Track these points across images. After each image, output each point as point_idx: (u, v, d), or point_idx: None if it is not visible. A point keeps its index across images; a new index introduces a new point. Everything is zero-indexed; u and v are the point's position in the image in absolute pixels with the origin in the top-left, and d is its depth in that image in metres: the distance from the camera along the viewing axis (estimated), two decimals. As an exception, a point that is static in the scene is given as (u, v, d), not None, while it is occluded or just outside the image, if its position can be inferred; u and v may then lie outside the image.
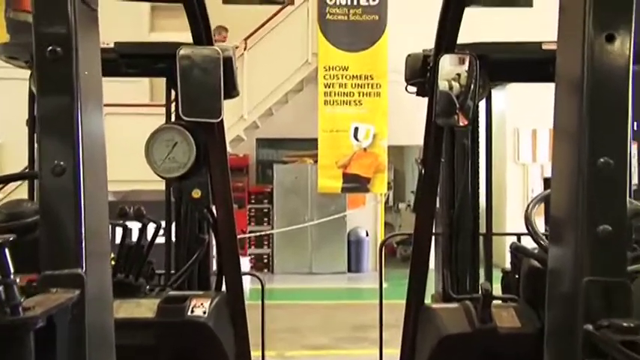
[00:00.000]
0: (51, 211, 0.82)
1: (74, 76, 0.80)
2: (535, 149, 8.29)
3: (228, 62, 1.67)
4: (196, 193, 1.72)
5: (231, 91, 1.73)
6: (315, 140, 7.52)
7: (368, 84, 7.43)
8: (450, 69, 1.65)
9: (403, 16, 8.28)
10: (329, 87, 7.46)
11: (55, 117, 0.81)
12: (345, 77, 7.44)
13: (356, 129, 7.41)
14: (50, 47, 0.79)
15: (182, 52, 1.60)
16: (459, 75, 1.66)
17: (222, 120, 1.67)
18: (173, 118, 1.86)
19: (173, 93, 1.89)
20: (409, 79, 1.82)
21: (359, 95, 7.44)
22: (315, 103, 7.58)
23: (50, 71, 0.80)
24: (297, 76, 7.76)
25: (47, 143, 0.80)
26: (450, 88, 1.65)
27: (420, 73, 1.79)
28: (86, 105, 0.83)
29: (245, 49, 7.53)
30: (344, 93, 7.44)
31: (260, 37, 7.64)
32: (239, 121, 7.50)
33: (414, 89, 1.84)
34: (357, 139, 7.42)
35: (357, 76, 7.40)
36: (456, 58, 1.65)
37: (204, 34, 1.66)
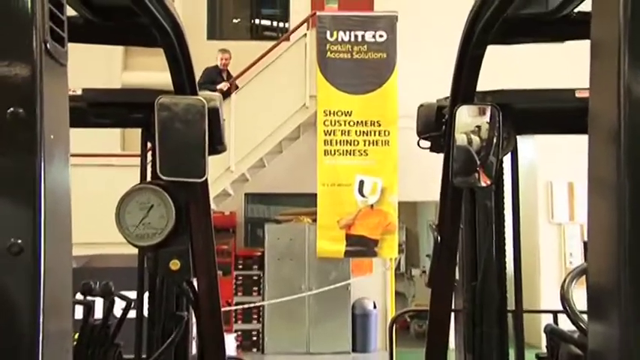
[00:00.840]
0: (5, 293, 0.83)
1: (38, 141, 0.80)
2: (572, 206, 8.06)
3: (215, 114, 1.69)
4: (175, 265, 1.70)
5: (218, 145, 1.75)
6: (314, 196, 7.55)
7: (375, 131, 7.56)
8: (469, 121, 1.67)
9: (415, 54, 8.59)
10: (330, 134, 7.58)
11: (14, 187, 0.81)
12: (349, 123, 7.57)
13: (361, 183, 7.46)
14: (11, 109, 0.80)
15: (161, 101, 1.61)
16: (479, 127, 1.68)
17: (206, 179, 1.68)
18: (149, 175, 1.87)
19: (149, 145, 1.90)
20: (422, 133, 1.85)
21: (364, 144, 7.55)
22: (313, 153, 7.69)
23: (10, 135, 0.80)
24: (292, 121, 7.91)
25: (3, 218, 0.81)
26: (470, 142, 1.66)
27: (435, 126, 1.81)
28: (51, 173, 0.83)
29: (233, 90, 7.73)
30: (347, 141, 7.55)
31: (251, 78, 7.86)
32: (225, 173, 7.57)
33: (427, 144, 1.86)
34: (362, 195, 7.45)
35: (362, 122, 7.54)
36: (476, 108, 1.67)
37: (187, 82, 1.68)
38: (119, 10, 1.54)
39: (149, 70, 7.79)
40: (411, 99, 8.98)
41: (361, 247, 7.45)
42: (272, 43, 8.27)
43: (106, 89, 1.97)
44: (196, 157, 1.61)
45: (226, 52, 8.12)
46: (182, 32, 1.58)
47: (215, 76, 7.99)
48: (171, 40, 1.56)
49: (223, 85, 7.79)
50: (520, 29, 1.67)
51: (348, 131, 7.55)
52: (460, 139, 1.65)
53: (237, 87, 7.89)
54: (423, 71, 8.58)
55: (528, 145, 7.07)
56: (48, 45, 0.85)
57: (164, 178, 1.64)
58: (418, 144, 1.85)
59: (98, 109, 1.85)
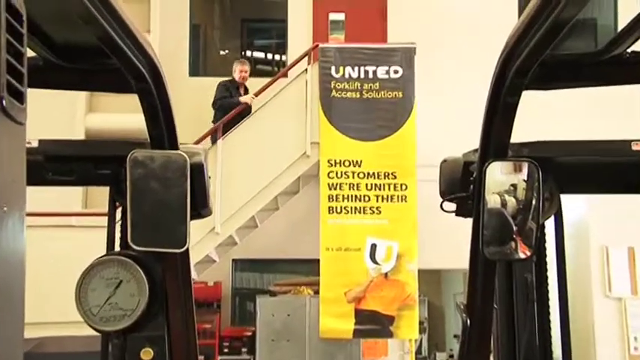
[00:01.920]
0: None
1: None
2: (634, 276, 7.76)
3: (198, 171, 1.70)
4: (147, 354, 1.68)
5: (201, 209, 1.75)
6: (316, 262, 7.53)
7: (389, 184, 7.62)
8: (503, 179, 1.67)
9: (435, 92, 8.87)
10: (335, 188, 7.64)
11: None
12: (358, 175, 7.64)
13: (373, 247, 7.44)
14: None
15: (135, 156, 1.62)
16: (514, 187, 1.68)
17: (187, 248, 1.68)
18: (117, 245, 1.84)
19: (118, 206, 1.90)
20: (446, 194, 1.85)
21: (377, 200, 7.59)
22: (315, 211, 7.74)
23: None
24: (291, 173, 7.97)
25: None
26: (504, 205, 1.66)
27: (461, 186, 1.81)
28: (2, 248, 0.83)
29: (220, 136, 7.84)
30: (356, 197, 7.60)
31: (240, 122, 7.98)
32: (209, 235, 7.55)
33: (452, 207, 1.86)
34: (374, 262, 7.42)
35: (374, 173, 7.61)
36: (510, 164, 1.69)
37: (166, 134, 1.68)
38: (86, 50, 1.54)
39: (118, 112, 7.99)
40: (431, 146, 9.10)
41: (374, 325, 7.37)
42: (266, 80, 8.45)
43: (67, 140, 1.96)
44: (176, 224, 1.61)
45: (245, 64, 8.49)
46: (161, 76, 1.60)
47: (232, 90, 8.31)
48: (147, 85, 1.57)
49: (248, 99, 8.10)
50: (562, 72, 1.68)
51: (358, 185, 7.62)
52: (492, 200, 1.65)
53: (249, 112, 8.09)
54: (446, 113, 8.92)
55: (577, 203, 6.95)
56: (4, 102, 0.86)
57: (136, 248, 1.64)
58: (441, 207, 1.85)
59: (58, 164, 1.84)
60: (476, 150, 1.76)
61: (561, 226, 1.90)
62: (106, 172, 1.82)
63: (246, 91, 8.39)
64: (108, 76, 1.63)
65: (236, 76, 8.36)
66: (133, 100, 1.65)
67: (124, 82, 1.55)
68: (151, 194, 1.63)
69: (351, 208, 7.59)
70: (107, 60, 1.49)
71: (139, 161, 1.63)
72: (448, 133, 8.83)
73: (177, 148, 1.69)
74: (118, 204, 1.86)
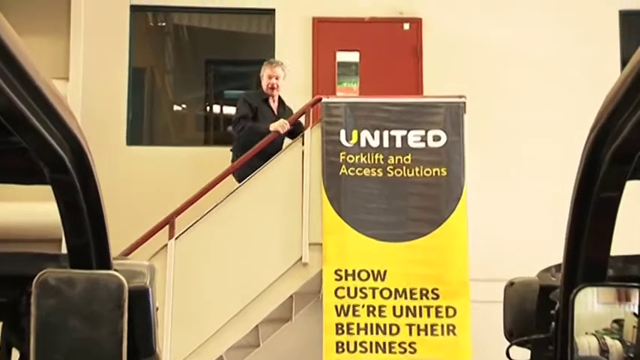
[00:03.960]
0: None
1: None
2: None
3: (140, 300, 1.72)
4: None
5: (145, 356, 1.78)
6: None
7: (429, 308, 7.58)
8: (601, 312, 1.69)
9: (490, 168, 9.07)
10: (346, 314, 7.59)
11: None
12: (381, 294, 7.63)
13: (405, 406, 7.38)
14: None
15: (44, 279, 1.62)
16: (620, 324, 1.70)
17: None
18: None
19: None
20: (514, 335, 1.87)
21: (409, 332, 7.54)
22: (315, 349, 7.68)
23: None
24: (279, 289, 7.91)
25: None
26: (604, 351, 1.67)
27: (537, 323, 1.82)
28: None
29: (172, 235, 7.83)
30: (378, 327, 7.55)
31: (204, 213, 8.01)
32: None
33: (523, 353, 1.87)
34: None
35: (404, 291, 7.61)
36: (612, 291, 1.70)
37: (93, 245, 1.71)
38: None
39: (19, 200, 7.97)
40: (487, 249, 8.99)
41: None
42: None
43: None
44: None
45: (277, 66, 8.45)
46: (87, 161, 1.63)
47: (258, 105, 8.32)
48: (67, 176, 1.59)
49: (279, 126, 8.01)
50: None
51: (381, 308, 7.59)
52: (585, 345, 1.65)
53: (298, 129, 8.14)
54: (505, 199, 9.17)
55: None
56: None
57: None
58: (507, 355, 1.84)
59: None
60: (558, 267, 1.77)
61: None
62: None
63: (282, 106, 8.47)
64: (8, 159, 1.65)
65: (263, 84, 8.42)
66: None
67: (33, 169, 1.56)
68: (67, 336, 1.61)
69: (371, 344, 7.51)
70: (10, 137, 1.50)
71: (51, 286, 1.61)
72: (511, 230, 9.05)
73: (109, 267, 1.69)
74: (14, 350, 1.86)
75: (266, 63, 8.49)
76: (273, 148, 8.06)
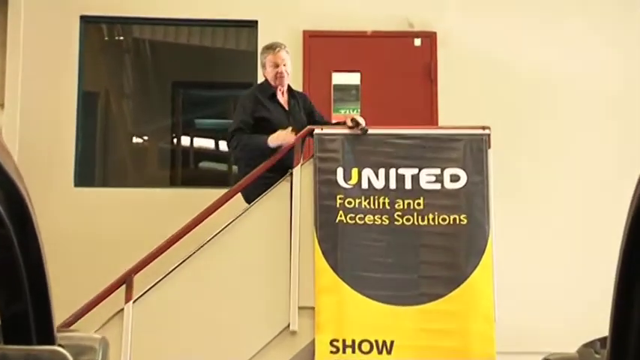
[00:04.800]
0: None
1: None
2: None
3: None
4: None
5: None
6: None
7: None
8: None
9: (516, 211, 8.98)
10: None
11: None
12: (387, 370, 7.57)
13: None
14: None
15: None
16: None
17: None
18: None
19: None
20: None
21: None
22: None
23: None
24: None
25: None
26: None
27: None
28: None
29: (130, 297, 7.74)
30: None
31: (170, 270, 7.93)
32: None
33: None
34: None
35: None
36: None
37: (32, 314, 1.73)
38: None
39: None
40: (514, 314, 8.91)
41: None
42: (217, 192, 8.49)
43: None
44: None
45: (280, 49, 8.34)
46: (27, 211, 1.65)
47: (263, 102, 8.28)
48: (1, 227, 1.61)
49: (281, 139, 7.95)
50: None
51: (386, 389, 7.57)
52: None
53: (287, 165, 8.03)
54: (535, 251, 9.34)
55: None
56: None
57: None
58: None
59: None
60: (603, 342, 1.84)
61: None
62: None
63: (292, 97, 8.45)
64: None
65: (269, 75, 8.39)
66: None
67: None
68: None
69: None
70: None
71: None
72: (546, 291, 9.18)
73: (53, 341, 1.74)
74: None
75: (264, 50, 8.49)
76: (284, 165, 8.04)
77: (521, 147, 9.55)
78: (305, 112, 8.47)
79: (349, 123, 7.97)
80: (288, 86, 8.48)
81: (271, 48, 8.39)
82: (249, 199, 8.02)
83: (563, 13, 10.12)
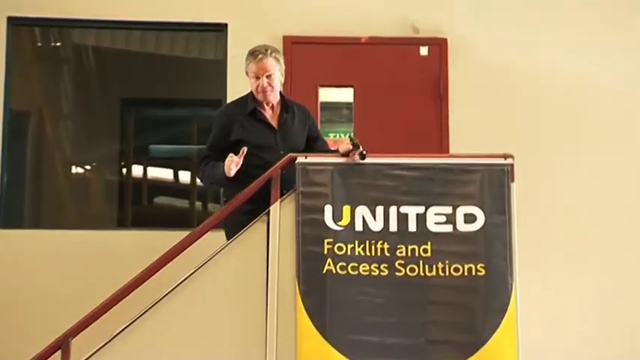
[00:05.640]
0: None
1: None
2: None
3: None
4: None
5: None
6: None
7: None
8: None
9: (539, 260, 8.90)
10: None
11: None
12: None
13: None
14: None
15: None
16: None
17: None
18: None
19: None
20: None
21: None
22: None
23: None
24: None
25: None
26: None
27: None
28: None
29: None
30: None
31: (117, 332, 7.75)
32: None
33: None
34: None
35: None
36: None
37: None
38: None
39: None
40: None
41: None
42: (177, 236, 8.26)
43: None
44: None
45: (265, 56, 8.19)
46: None
47: (244, 122, 8.18)
48: None
49: (229, 166, 7.79)
50: None
51: None
52: None
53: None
54: (564, 309, 9.34)
55: None
56: None
57: None
58: None
59: None
60: None
61: None
62: None
63: (285, 111, 8.32)
64: None
65: (251, 87, 8.28)
66: None
67: None
68: None
69: None
70: None
71: None
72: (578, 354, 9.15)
73: None
74: None
75: (247, 56, 8.32)
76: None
77: (551, 180, 9.48)
78: (307, 131, 8.39)
79: (343, 148, 7.83)
80: (283, 97, 8.40)
81: (252, 54, 8.27)
82: (230, 233, 7.93)
83: (599, 24, 10.12)
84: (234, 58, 8.32)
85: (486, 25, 9.89)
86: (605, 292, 9.28)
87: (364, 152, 7.75)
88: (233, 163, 7.77)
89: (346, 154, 7.83)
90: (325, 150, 8.37)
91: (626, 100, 9.90)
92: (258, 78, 8.15)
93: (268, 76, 8.16)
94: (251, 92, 8.28)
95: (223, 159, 7.88)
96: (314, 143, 8.36)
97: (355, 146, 7.78)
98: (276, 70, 8.21)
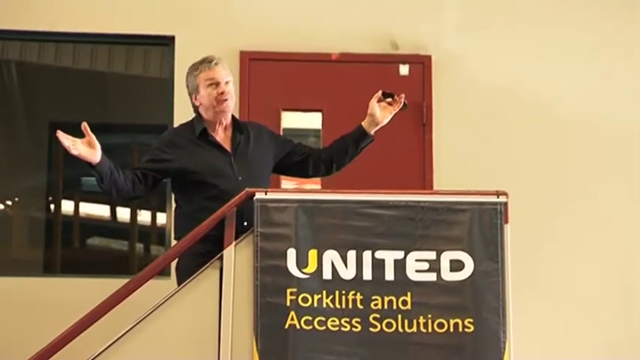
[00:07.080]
0: None
1: None
2: None
3: None
4: None
5: None
6: None
7: None
8: None
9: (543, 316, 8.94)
10: None
11: None
12: None
13: None
14: None
15: None
16: None
17: None
18: None
19: None
20: None
21: None
22: None
23: None
24: None
25: None
26: None
27: None
28: None
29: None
30: None
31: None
32: None
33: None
34: None
35: None
36: None
37: None
38: None
39: None
40: None
41: None
42: (118, 282, 8.23)
43: None
44: None
45: (216, 64, 8.12)
46: None
47: (190, 144, 8.10)
48: None
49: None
50: None
51: None
52: None
53: None
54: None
55: None
56: None
57: None
58: None
59: None
60: None
61: None
62: None
63: (240, 136, 8.24)
64: None
65: (205, 100, 8.14)
66: None
67: None
68: None
69: None
70: None
71: None
72: None
73: None
74: None
75: (194, 68, 8.26)
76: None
77: (549, 220, 9.51)
78: (272, 149, 8.39)
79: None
80: (234, 118, 8.35)
81: (205, 62, 8.18)
82: (183, 274, 7.91)
83: (604, 41, 10.22)
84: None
85: (476, 40, 9.94)
86: (606, 345, 9.31)
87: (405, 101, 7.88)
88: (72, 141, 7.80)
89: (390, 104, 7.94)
90: (307, 147, 8.31)
91: (627, 123, 10.00)
92: (217, 84, 8.07)
93: (226, 83, 8.12)
94: (197, 115, 8.23)
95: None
96: (293, 151, 8.43)
97: (388, 96, 7.86)
98: (231, 80, 8.20)
